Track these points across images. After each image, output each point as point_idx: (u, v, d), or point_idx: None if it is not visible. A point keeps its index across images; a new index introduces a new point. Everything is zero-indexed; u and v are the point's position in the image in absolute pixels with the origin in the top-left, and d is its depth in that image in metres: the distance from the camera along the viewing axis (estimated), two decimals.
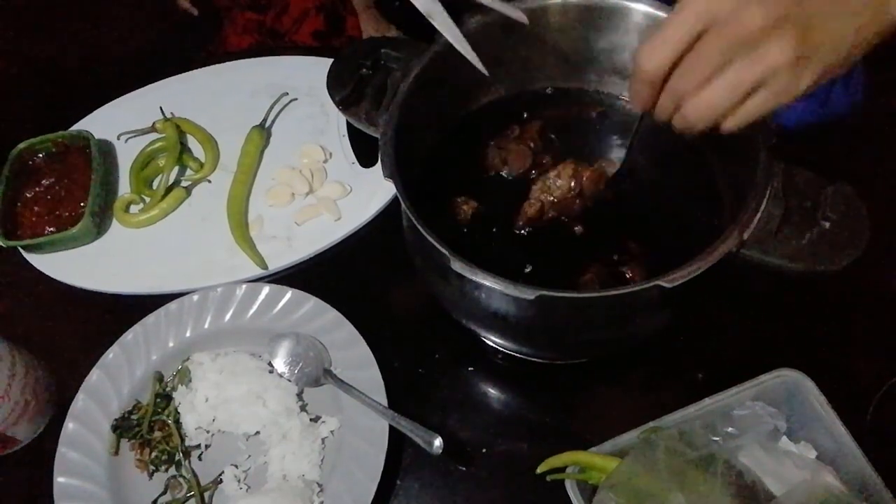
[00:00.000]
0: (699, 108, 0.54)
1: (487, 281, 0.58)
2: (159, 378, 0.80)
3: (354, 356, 0.77)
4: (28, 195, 0.94)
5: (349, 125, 0.98)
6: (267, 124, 1.01)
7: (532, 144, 0.79)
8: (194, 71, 1.10)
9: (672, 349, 0.79)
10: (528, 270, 0.70)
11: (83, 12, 1.30)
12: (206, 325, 0.81)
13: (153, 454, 0.75)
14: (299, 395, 0.78)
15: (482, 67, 0.71)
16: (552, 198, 0.73)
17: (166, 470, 0.75)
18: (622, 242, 0.71)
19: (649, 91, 0.56)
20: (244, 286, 0.83)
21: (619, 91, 0.82)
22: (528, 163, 0.77)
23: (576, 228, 0.73)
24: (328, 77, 0.77)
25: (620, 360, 0.80)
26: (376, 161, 0.84)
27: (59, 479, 0.72)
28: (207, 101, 1.05)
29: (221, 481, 0.74)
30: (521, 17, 0.72)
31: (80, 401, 0.77)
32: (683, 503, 0.56)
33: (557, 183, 0.73)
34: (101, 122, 1.04)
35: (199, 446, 0.76)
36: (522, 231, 0.74)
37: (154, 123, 1.00)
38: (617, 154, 0.78)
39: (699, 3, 0.50)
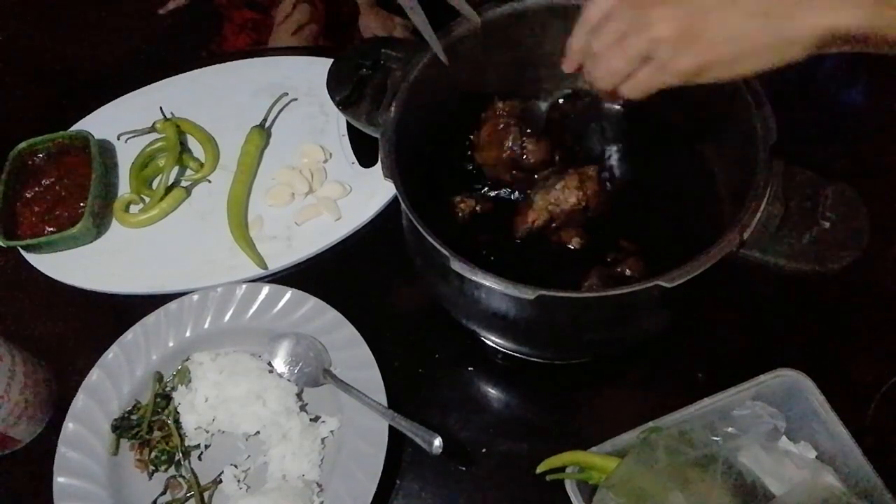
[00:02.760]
0: (601, 70, 0.58)
1: (487, 281, 0.58)
2: (159, 378, 0.80)
3: (354, 356, 0.77)
4: (28, 195, 0.94)
5: (349, 125, 0.98)
6: (267, 124, 1.01)
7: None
8: (194, 71, 1.10)
9: (672, 349, 0.79)
10: (527, 270, 0.70)
11: (83, 12, 1.30)
12: (206, 325, 0.81)
13: (153, 454, 0.75)
14: (299, 395, 0.78)
15: (444, 57, 0.73)
16: (559, 209, 0.72)
17: (166, 470, 0.75)
18: (621, 242, 0.71)
19: (584, 39, 0.59)
20: (244, 286, 0.83)
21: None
22: (547, 155, 0.75)
23: (576, 233, 0.73)
24: (328, 77, 0.77)
25: (620, 360, 0.80)
26: (376, 161, 0.84)
27: (59, 479, 0.73)
28: (207, 101, 1.05)
29: (221, 481, 0.74)
30: (476, 19, 0.73)
31: (80, 401, 0.77)
32: (683, 503, 0.56)
33: (565, 194, 0.72)
34: (101, 122, 1.04)
35: (198, 446, 0.76)
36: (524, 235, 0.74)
37: (154, 123, 1.00)
38: (614, 154, 0.78)
39: None
